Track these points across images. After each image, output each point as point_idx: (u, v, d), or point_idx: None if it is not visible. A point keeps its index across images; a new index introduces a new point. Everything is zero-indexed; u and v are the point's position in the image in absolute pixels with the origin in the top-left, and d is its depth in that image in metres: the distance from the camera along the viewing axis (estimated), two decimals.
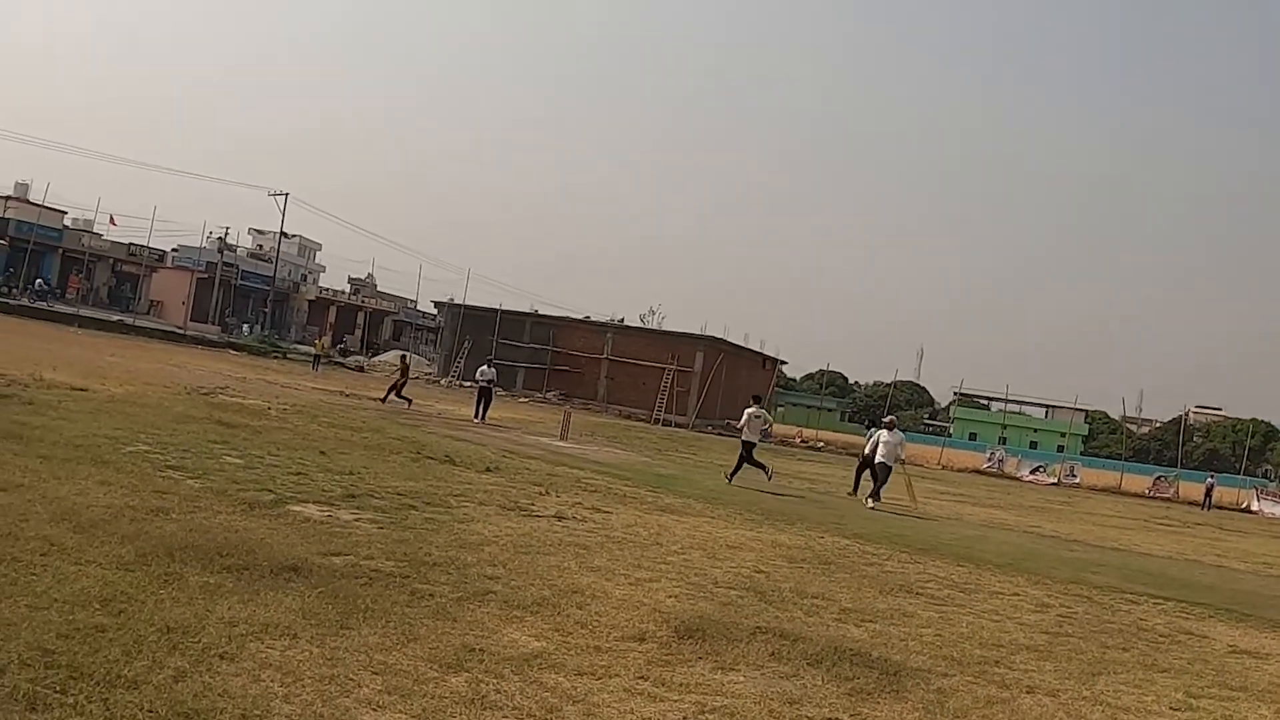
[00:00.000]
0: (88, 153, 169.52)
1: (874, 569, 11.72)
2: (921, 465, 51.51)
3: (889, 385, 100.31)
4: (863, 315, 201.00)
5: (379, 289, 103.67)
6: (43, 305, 53.77)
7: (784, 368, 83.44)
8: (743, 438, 23.13)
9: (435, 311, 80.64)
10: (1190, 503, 47.91)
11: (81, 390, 17.62)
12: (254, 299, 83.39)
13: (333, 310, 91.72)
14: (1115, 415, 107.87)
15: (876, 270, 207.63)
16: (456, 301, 66.24)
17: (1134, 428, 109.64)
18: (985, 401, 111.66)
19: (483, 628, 6.58)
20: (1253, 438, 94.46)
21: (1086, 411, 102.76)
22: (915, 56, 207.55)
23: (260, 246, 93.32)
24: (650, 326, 76.33)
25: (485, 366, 32.00)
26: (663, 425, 50.18)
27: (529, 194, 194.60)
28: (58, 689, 4.50)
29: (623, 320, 73.42)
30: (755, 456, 22.74)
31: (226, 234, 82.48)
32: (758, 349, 70.56)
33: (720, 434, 51.77)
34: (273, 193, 73.93)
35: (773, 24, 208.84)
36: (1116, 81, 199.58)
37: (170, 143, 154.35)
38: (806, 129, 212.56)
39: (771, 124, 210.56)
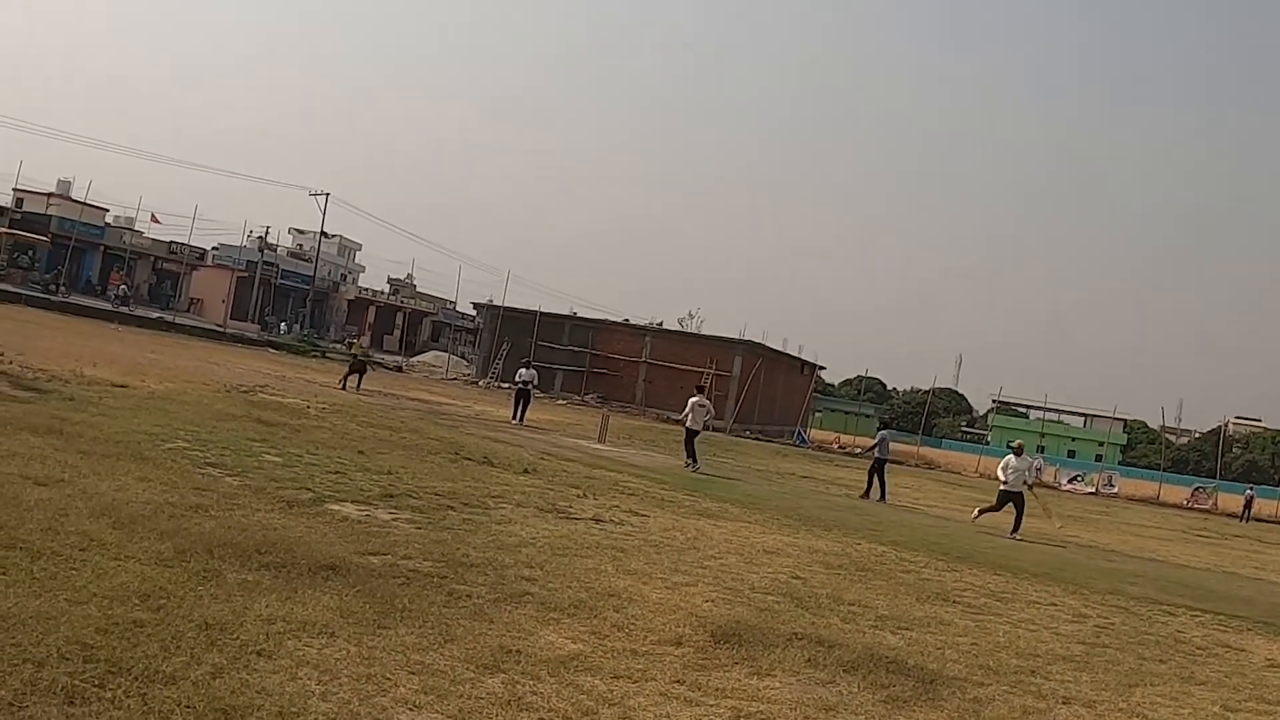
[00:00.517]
0: (130, 151, 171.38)
1: (910, 576, 11.67)
2: (959, 474, 51.27)
3: (927, 392, 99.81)
4: (902, 322, 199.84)
5: (418, 289, 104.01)
6: (125, 310, 54.08)
7: (822, 373, 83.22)
8: (686, 425, 24.36)
9: (474, 313, 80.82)
10: (1229, 514, 47.38)
11: (122, 387, 17.74)
12: (294, 298, 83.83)
13: (372, 310, 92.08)
14: (1154, 425, 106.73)
15: (917, 278, 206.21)
16: (495, 303, 66.36)
17: (1173, 438, 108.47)
18: (1024, 410, 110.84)
19: (519, 629, 6.59)
20: None
21: (1125, 421, 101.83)
22: (1006, 82, 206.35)
23: (300, 246, 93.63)
24: (689, 330, 76.35)
25: (524, 369, 31.90)
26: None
27: (578, 209, 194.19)
28: (96, 683, 4.53)
29: (661, 323, 73.42)
30: (694, 445, 24.03)
31: (267, 233, 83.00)
32: (796, 354, 70.38)
33: (758, 439, 51.63)
34: (313, 192, 74.33)
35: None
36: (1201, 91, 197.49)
37: (210, 141, 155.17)
38: (869, 147, 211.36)
39: (836, 142, 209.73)
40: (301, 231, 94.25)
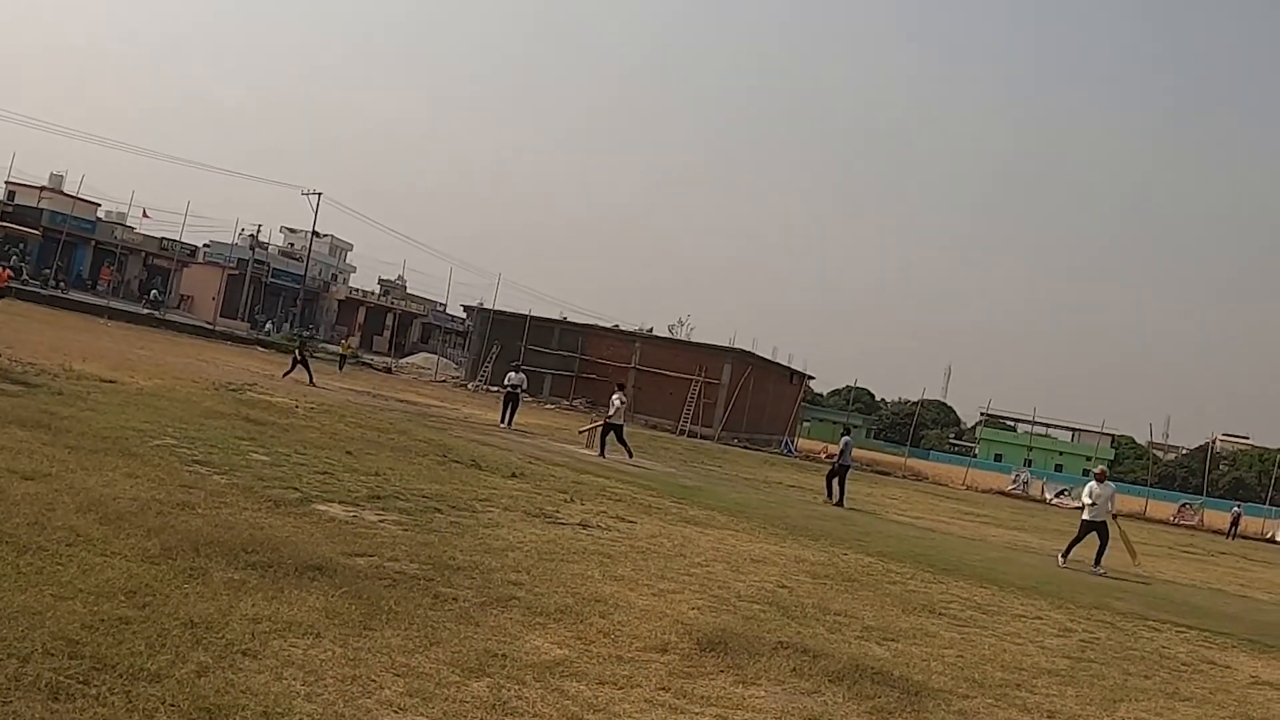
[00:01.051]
0: (123, 146, 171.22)
1: (897, 588, 11.68)
2: (946, 485, 51.33)
3: (915, 403, 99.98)
4: (891, 333, 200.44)
5: (409, 291, 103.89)
6: (154, 314, 53.94)
7: (811, 383, 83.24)
8: (612, 421, 26.39)
9: (464, 315, 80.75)
10: (1215, 531, 47.49)
11: (110, 382, 17.71)
12: (284, 297, 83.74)
13: (362, 311, 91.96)
14: (1142, 441, 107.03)
15: (907, 289, 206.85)
16: (486, 306, 66.28)
17: (1160, 454, 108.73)
18: (1012, 423, 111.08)
19: (505, 633, 6.58)
20: None
21: (1113, 436, 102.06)
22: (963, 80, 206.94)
23: (292, 245, 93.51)
24: (679, 337, 76.35)
25: (513, 372, 31.77)
26: (688, 436, 50.05)
27: (563, 203, 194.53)
28: (81, 680, 4.51)
29: (651, 330, 73.41)
30: (623, 438, 26.38)
31: (259, 231, 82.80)
32: (786, 363, 70.35)
33: (746, 447, 51.65)
34: (306, 192, 74.16)
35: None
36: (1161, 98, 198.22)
37: (204, 139, 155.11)
38: (843, 152, 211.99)
39: (804, 147, 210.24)
40: (293, 230, 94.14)
